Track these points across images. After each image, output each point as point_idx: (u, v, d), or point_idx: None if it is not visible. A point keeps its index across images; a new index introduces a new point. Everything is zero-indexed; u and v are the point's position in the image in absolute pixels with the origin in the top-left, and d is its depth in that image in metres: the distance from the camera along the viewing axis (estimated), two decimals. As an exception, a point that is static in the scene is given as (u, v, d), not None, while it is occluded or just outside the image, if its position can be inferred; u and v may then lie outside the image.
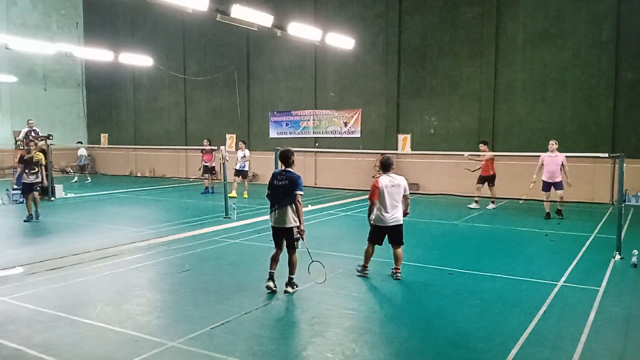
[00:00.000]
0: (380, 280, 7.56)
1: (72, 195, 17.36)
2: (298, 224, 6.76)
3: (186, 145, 24.60)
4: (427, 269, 8.18)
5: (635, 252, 8.26)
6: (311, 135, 21.40)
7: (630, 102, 15.84)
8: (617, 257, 8.67)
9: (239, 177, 17.49)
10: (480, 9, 17.64)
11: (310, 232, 11.41)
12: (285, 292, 6.75)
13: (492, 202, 14.71)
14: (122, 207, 15.35)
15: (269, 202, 6.89)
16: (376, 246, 7.67)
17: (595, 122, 16.24)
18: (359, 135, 20.35)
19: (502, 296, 6.78)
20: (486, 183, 14.72)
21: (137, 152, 26.67)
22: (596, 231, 11.31)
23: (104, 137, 27.90)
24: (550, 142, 12.89)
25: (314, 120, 21.32)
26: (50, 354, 4.93)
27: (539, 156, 13.46)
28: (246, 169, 17.63)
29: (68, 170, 26.53)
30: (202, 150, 18.60)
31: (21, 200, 15.57)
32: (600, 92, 16.13)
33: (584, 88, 16.39)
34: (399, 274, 7.53)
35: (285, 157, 6.92)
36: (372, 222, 7.60)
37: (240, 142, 18.09)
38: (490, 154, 14.74)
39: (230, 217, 12.77)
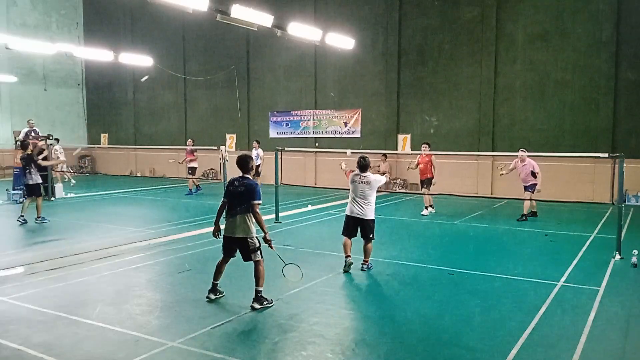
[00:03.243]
0: (380, 281, 7.56)
1: (72, 195, 17.37)
2: (253, 234, 6.31)
3: (186, 146, 24.55)
4: (427, 269, 8.18)
5: (635, 252, 8.26)
6: (311, 135, 21.39)
7: (630, 102, 15.84)
8: (617, 257, 8.67)
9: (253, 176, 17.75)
10: (480, 9, 17.64)
11: (311, 232, 11.48)
12: (252, 308, 6.12)
13: (427, 207, 13.80)
14: (122, 207, 15.35)
15: (225, 210, 6.42)
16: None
17: (595, 122, 16.24)
18: (359, 135, 20.35)
19: (502, 296, 6.78)
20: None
21: (137, 152, 26.67)
22: (596, 231, 11.31)
23: (104, 137, 27.90)
24: (519, 151, 12.89)
25: (314, 120, 21.32)
26: (50, 354, 4.93)
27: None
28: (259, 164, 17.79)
29: (68, 170, 26.55)
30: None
31: (21, 200, 15.59)
32: (600, 92, 16.13)
33: (583, 88, 16.39)
34: (364, 267, 7.94)
35: (244, 163, 6.47)
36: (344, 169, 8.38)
37: (254, 142, 18.28)
38: (428, 153, 13.76)
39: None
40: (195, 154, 18.38)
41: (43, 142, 16.77)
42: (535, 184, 12.57)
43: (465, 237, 11.03)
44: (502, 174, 13.15)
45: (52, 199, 16.22)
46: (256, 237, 6.36)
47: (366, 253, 7.98)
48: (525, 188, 12.79)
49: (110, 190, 19.03)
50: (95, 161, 28.48)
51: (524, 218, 12.60)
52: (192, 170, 18.41)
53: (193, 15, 12.92)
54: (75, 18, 27.67)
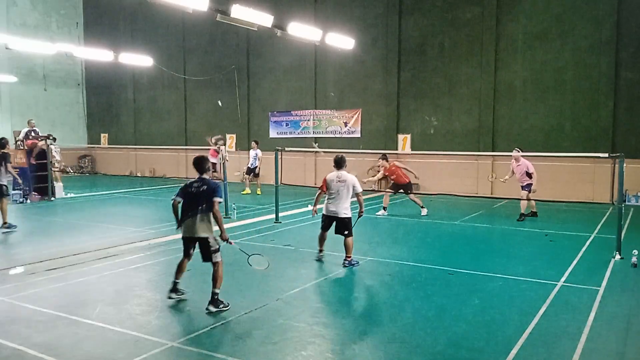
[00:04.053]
0: (380, 280, 7.56)
1: (72, 195, 17.37)
2: (210, 234, 6.26)
3: (186, 145, 24.59)
4: (427, 269, 8.18)
5: (635, 252, 8.26)
6: (311, 135, 21.39)
7: (630, 103, 15.84)
8: (617, 257, 8.67)
9: (250, 175, 18.18)
10: (480, 9, 17.63)
11: (311, 232, 11.45)
12: (207, 311, 6.02)
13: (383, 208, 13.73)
14: (122, 207, 15.35)
15: (180, 211, 6.35)
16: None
17: (595, 122, 16.24)
18: (359, 135, 20.35)
19: (502, 296, 6.78)
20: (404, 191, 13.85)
21: (137, 152, 26.67)
22: (596, 231, 11.31)
23: (104, 137, 27.91)
24: (514, 151, 12.97)
25: (314, 120, 21.32)
26: (50, 354, 4.93)
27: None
28: (256, 166, 18.02)
29: (68, 170, 26.57)
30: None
31: (21, 200, 15.61)
32: (600, 92, 16.13)
33: (583, 88, 16.39)
34: (346, 262, 8.12)
35: (201, 164, 6.41)
36: (315, 210, 8.64)
37: (252, 142, 18.51)
38: (385, 165, 13.66)
39: (230, 217, 12.77)
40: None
41: (43, 142, 16.78)
42: (531, 184, 12.58)
43: (465, 237, 11.04)
44: (503, 180, 13.20)
45: (52, 199, 16.22)
46: (214, 238, 6.29)
47: (346, 249, 8.18)
48: (522, 187, 12.83)
49: (110, 190, 19.03)
50: (95, 161, 28.47)
51: (522, 218, 12.61)
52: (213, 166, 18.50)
53: (193, 15, 12.93)
54: (75, 18, 27.67)
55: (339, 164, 8.32)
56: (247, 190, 18.14)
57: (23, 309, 6.21)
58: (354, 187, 8.19)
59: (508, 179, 13.16)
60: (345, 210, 8.19)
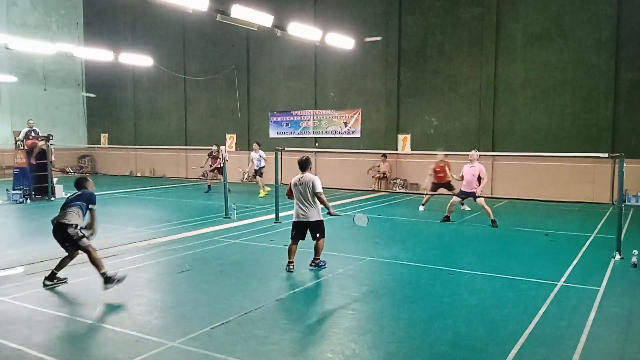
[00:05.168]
0: (379, 281, 7.56)
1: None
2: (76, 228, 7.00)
3: (186, 145, 24.61)
4: (427, 269, 8.18)
5: (635, 252, 8.25)
6: (311, 135, 21.40)
7: (630, 102, 15.84)
8: (617, 257, 8.66)
9: (256, 176, 18.15)
10: (480, 9, 17.64)
11: (310, 232, 11.45)
12: (106, 288, 6.71)
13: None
14: (122, 207, 15.35)
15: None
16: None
17: (595, 122, 16.24)
18: (359, 135, 20.35)
19: (502, 296, 6.78)
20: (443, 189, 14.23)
21: (137, 152, 26.68)
22: (596, 231, 11.31)
23: (104, 137, 27.91)
24: (471, 152, 12.60)
25: (314, 120, 21.32)
26: (50, 354, 4.93)
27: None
28: (262, 167, 17.99)
29: (68, 170, 26.57)
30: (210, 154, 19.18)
31: (21, 200, 15.61)
32: (600, 92, 16.13)
33: (583, 88, 16.40)
34: (313, 264, 7.95)
35: (81, 183, 7.42)
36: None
37: (254, 144, 18.42)
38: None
39: (230, 217, 12.77)
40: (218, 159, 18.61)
41: (43, 142, 16.78)
42: (475, 192, 12.10)
43: (465, 237, 11.03)
44: (457, 178, 12.77)
45: (52, 199, 16.22)
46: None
47: (316, 250, 7.93)
48: (466, 194, 12.26)
49: (110, 190, 19.04)
50: (95, 161, 28.48)
51: (495, 224, 11.83)
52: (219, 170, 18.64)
53: (193, 15, 12.94)
54: (75, 18, 27.67)
55: (302, 166, 7.92)
56: (264, 191, 17.55)
57: (23, 309, 6.21)
58: (313, 185, 7.70)
59: (457, 178, 12.73)
60: (314, 213, 7.76)
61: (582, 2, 16.26)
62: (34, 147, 16.60)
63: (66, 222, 6.94)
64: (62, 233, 7.00)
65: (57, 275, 7.12)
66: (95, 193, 7.45)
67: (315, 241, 7.89)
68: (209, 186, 19.02)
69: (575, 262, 8.55)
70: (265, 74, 22.51)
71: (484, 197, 12.43)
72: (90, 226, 7.18)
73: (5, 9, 24.46)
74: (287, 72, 21.91)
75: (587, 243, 10.06)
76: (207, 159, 19.44)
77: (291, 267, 7.82)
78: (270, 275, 7.72)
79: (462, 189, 12.45)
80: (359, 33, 18.89)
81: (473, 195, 12.23)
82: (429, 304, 6.52)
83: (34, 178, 16.34)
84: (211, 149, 19.10)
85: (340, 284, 7.29)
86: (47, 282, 7.02)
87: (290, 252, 7.91)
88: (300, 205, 7.78)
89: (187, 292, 6.95)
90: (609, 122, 16.03)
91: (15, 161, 16.75)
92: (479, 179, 12.26)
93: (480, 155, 17.23)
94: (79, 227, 7.01)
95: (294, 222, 7.91)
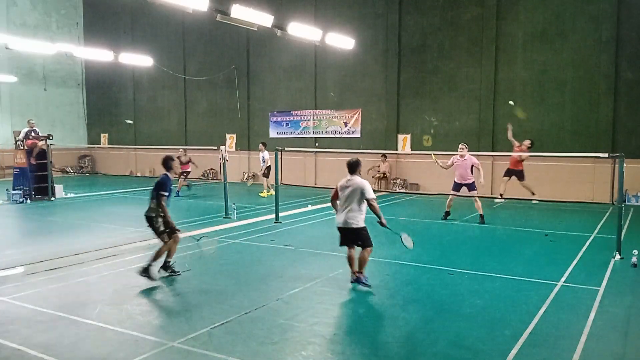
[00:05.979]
0: (379, 281, 7.55)
1: (72, 195, 17.36)
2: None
3: (186, 145, 24.55)
4: (427, 269, 8.18)
5: (635, 252, 8.26)
6: (311, 135, 21.39)
7: (630, 102, 15.84)
8: (617, 257, 8.66)
9: (267, 177, 17.83)
10: (480, 9, 17.63)
11: (311, 232, 11.46)
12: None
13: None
14: (122, 207, 15.35)
15: None
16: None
17: (595, 122, 16.24)
18: (359, 135, 20.34)
19: (502, 296, 6.78)
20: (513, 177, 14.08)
21: (137, 152, 26.67)
22: (596, 231, 11.31)
23: (104, 137, 27.89)
24: (460, 145, 12.55)
25: (314, 120, 21.32)
26: (50, 354, 4.93)
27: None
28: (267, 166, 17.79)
29: (68, 170, 26.57)
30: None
31: (21, 200, 15.61)
32: (600, 92, 16.13)
33: (583, 88, 16.39)
34: (354, 277, 7.10)
35: (164, 163, 8.17)
36: None
37: (260, 144, 18.15)
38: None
39: (230, 217, 12.78)
40: (189, 163, 18.46)
41: (43, 142, 16.78)
42: (473, 182, 12.18)
43: (465, 237, 11.04)
44: (435, 162, 12.64)
45: (52, 199, 16.22)
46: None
47: (360, 263, 7.13)
48: (460, 186, 12.32)
49: (110, 190, 19.03)
50: (95, 161, 28.47)
51: (483, 221, 12.09)
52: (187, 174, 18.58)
53: (193, 15, 12.93)
54: (75, 18, 27.66)
55: (351, 168, 7.29)
56: (271, 192, 17.13)
57: (23, 309, 6.21)
58: (362, 192, 7.05)
59: (441, 165, 12.62)
60: (355, 219, 7.09)
61: (582, 2, 16.25)
62: (34, 147, 16.61)
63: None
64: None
65: (170, 264, 7.68)
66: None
67: (361, 251, 7.15)
68: (178, 191, 18.01)
69: (575, 262, 8.55)
70: (265, 74, 22.50)
71: (478, 196, 12.47)
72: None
73: (5, 9, 24.46)
74: (287, 72, 21.90)
75: (587, 243, 10.06)
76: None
77: (354, 276, 7.10)
78: (271, 275, 7.72)
79: (456, 181, 12.48)
80: (359, 33, 18.88)
81: (471, 186, 12.29)
82: (429, 304, 6.51)
83: (34, 178, 16.35)
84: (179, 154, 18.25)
85: (340, 284, 7.29)
86: (163, 273, 7.53)
87: (349, 260, 7.18)
88: (345, 210, 7.15)
89: (187, 292, 6.95)
90: (609, 122, 16.03)
91: (15, 161, 16.75)
92: (472, 171, 12.30)
93: (480, 155, 17.27)
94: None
95: (337, 228, 7.30)
